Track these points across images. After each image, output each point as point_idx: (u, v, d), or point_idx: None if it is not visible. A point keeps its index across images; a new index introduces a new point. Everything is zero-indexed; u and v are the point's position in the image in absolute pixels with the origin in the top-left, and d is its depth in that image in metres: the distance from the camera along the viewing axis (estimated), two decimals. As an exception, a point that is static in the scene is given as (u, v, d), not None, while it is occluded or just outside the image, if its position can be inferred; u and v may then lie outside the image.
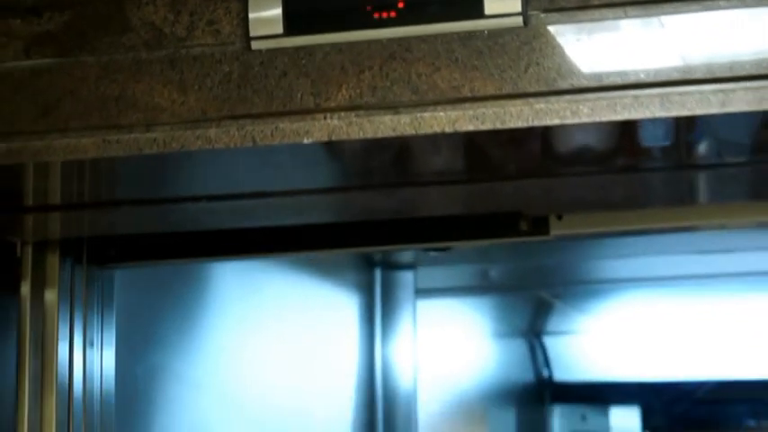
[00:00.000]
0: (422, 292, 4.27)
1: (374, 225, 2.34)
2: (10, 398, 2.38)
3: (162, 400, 3.00)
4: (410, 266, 4.21)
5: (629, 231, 2.55)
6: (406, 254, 4.13)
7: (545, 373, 5.77)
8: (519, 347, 5.65)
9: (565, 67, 1.53)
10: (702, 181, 2.07)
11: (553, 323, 5.56)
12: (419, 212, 2.29)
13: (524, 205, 2.19)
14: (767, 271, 4.13)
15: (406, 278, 4.23)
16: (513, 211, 2.20)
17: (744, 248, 3.92)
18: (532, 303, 5.30)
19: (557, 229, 2.24)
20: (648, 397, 5.78)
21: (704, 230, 2.84)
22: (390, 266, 4.21)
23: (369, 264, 4.19)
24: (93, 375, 2.57)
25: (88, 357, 2.55)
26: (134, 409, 2.86)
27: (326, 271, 3.94)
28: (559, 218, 2.23)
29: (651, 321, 5.44)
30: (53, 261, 2.47)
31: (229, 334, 3.32)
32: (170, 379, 3.05)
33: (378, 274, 4.22)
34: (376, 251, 2.99)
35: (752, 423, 6.00)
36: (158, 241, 2.52)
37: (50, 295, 2.46)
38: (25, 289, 2.43)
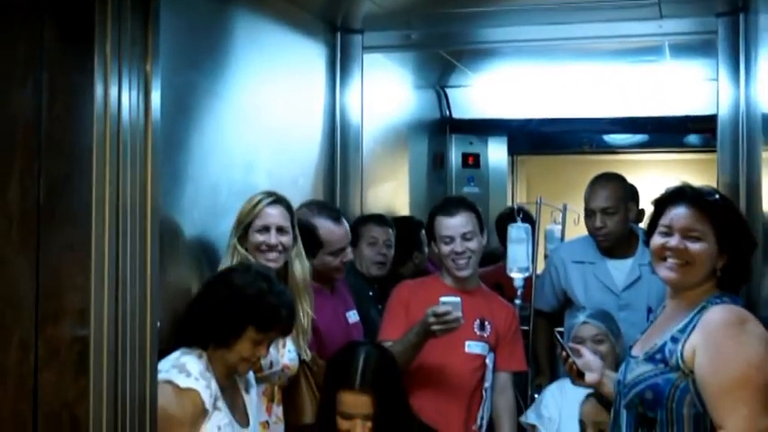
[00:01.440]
0: (367, 49, 4.22)
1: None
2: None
3: (195, 109, 2.98)
4: (359, 31, 4.17)
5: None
6: (357, 21, 4.10)
7: (446, 113, 5.84)
8: (430, 95, 5.68)
9: None
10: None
11: (453, 78, 5.57)
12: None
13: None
14: (597, 36, 4.05)
15: (357, 39, 4.18)
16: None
17: (588, 20, 3.90)
18: (440, 64, 5.25)
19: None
20: (514, 129, 5.87)
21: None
22: (347, 30, 4.16)
23: (333, 29, 4.12)
24: (143, 90, 2.32)
25: (141, 75, 2.28)
26: (176, 118, 2.83)
27: (306, 32, 3.90)
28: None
29: (518, 77, 5.45)
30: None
31: (243, 66, 3.29)
32: (201, 93, 3.02)
33: (339, 35, 4.15)
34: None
35: (575, 148, 6.15)
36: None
37: (110, 22, 2.13)
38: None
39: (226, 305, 2.41)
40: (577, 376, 2.60)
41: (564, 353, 2.62)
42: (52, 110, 1.89)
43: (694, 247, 2.27)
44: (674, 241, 2.29)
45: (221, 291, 2.44)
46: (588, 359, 2.62)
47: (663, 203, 2.36)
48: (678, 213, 2.30)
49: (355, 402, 2.51)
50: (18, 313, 1.76)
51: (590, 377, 2.58)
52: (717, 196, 2.33)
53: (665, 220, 2.33)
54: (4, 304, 1.76)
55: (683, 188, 2.35)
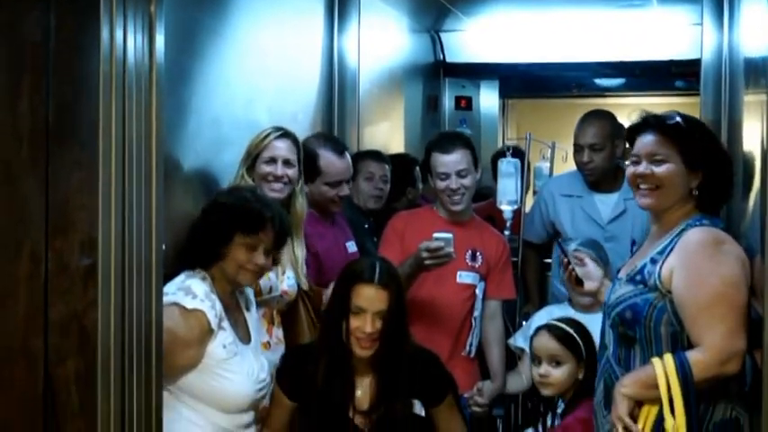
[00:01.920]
0: (363, -8, 4.17)
1: None
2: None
3: (199, 45, 2.93)
4: (356, -26, 4.13)
5: None
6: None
7: (440, 57, 5.76)
8: (424, 39, 5.60)
9: None
10: None
11: (448, 23, 5.49)
12: None
13: None
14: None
15: (354, -19, 4.14)
16: None
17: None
18: (435, 8, 5.18)
19: None
20: (505, 73, 5.82)
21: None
22: (343, -25, 4.12)
23: (329, -27, 4.09)
24: (147, 30, 2.18)
25: (145, 17, 2.14)
26: (180, 53, 2.76)
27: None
28: None
29: (510, 22, 5.38)
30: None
31: (245, 7, 3.25)
32: (206, 31, 2.98)
33: (335, -21, 4.11)
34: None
35: (564, 91, 6.11)
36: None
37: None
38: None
39: (212, 219, 2.45)
40: (576, 283, 2.63)
41: (566, 259, 2.64)
42: (60, 33, 1.87)
43: (659, 169, 2.28)
44: (641, 168, 2.30)
45: (210, 211, 2.49)
46: (590, 268, 2.65)
47: (633, 135, 2.37)
48: (644, 141, 2.32)
49: (373, 295, 2.47)
50: (28, 227, 1.75)
51: (590, 285, 2.62)
52: (678, 119, 2.32)
53: (634, 150, 2.35)
54: (15, 219, 1.75)
55: (647, 117, 2.36)
